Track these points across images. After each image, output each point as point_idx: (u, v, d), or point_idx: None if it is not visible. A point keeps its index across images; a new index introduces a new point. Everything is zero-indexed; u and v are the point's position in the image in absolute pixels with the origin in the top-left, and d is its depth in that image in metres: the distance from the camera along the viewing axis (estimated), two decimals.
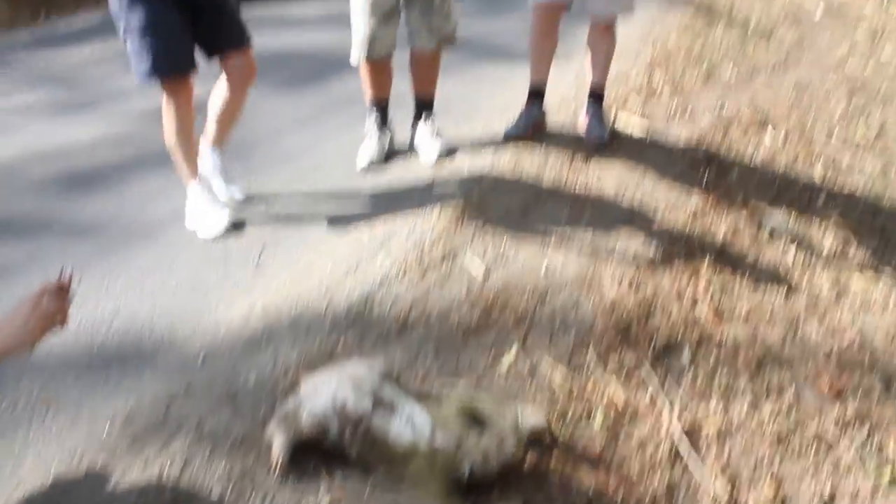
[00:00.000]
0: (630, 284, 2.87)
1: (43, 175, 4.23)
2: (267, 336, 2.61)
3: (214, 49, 3.12)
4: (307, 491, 2.05)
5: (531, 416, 2.07)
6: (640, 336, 2.63)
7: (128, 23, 2.85)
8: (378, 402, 1.97)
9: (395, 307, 2.71)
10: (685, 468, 2.18)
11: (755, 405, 2.41)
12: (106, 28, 8.20)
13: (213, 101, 3.37)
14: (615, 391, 2.38)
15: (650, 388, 2.42)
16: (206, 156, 3.41)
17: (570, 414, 2.30)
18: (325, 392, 2.00)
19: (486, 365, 2.48)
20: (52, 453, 2.17)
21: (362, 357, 2.41)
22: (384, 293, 2.78)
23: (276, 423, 2.06)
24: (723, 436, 2.30)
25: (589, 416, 2.30)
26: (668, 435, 2.26)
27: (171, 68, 2.95)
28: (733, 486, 2.14)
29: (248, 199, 3.49)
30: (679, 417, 2.33)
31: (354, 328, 2.62)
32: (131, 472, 2.09)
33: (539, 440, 2.11)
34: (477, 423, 1.99)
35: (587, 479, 2.07)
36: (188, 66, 3.00)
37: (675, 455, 2.21)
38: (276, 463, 2.03)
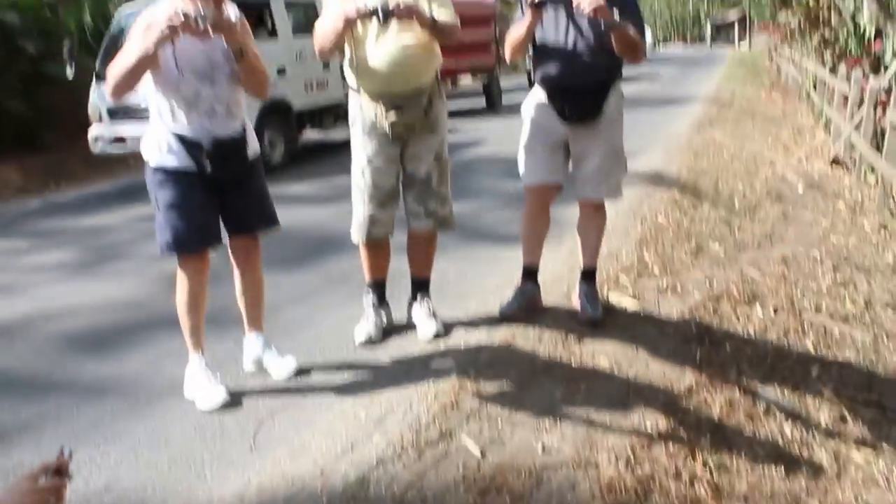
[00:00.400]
0: (627, 463, 2.86)
1: (47, 335, 4.31)
2: None
3: (234, 229, 3.38)
4: None
5: None
6: None
7: (156, 198, 3.14)
8: None
9: (391, 488, 2.69)
10: None
11: None
12: (115, 196, 8.58)
13: (237, 290, 3.55)
14: None
15: None
16: (250, 343, 3.60)
17: None
18: None
19: None
20: None
21: None
22: (380, 474, 2.77)
23: None
24: None
25: None
26: None
27: (187, 246, 3.19)
28: None
29: (299, 373, 3.56)
30: None
31: None
32: None
33: None
34: None
35: None
36: (204, 245, 3.26)
37: None
38: None
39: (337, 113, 10.42)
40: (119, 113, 8.42)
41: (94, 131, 8.71)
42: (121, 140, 8.40)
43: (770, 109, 15.09)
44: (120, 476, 2.85)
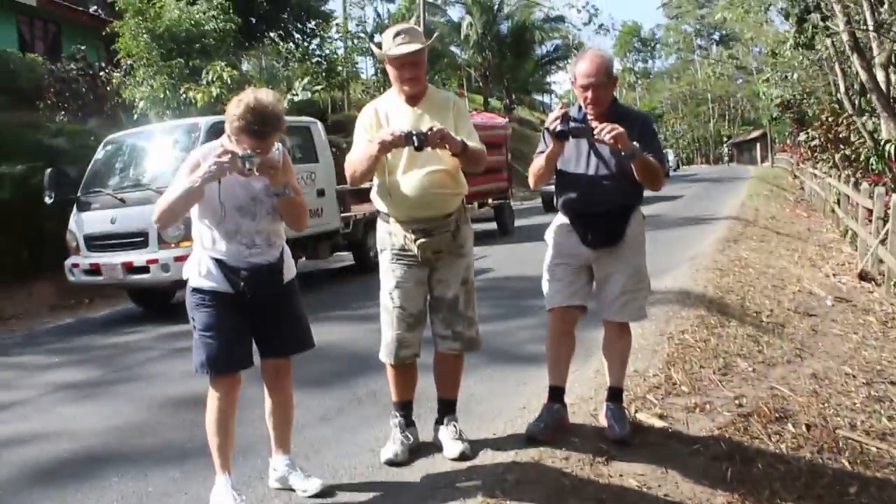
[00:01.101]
0: None
1: (71, 451, 4.32)
2: None
3: (266, 351, 3.49)
4: None
5: None
6: None
7: (193, 318, 3.31)
8: None
9: None
10: None
11: None
12: (147, 316, 8.74)
13: (266, 409, 3.62)
14: None
15: None
16: (277, 464, 3.59)
17: None
18: None
19: None
20: None
21: None
22: None
23: None
24: None
25: None
26: None
27: (219, 366, 3.30)
28: None
29: (324, 493, 3.53)
30: None
31: None
32: None
33: None
34: None
35: None
36: (235, 366, 3.29)
37: None
38: None
39: (333, 242, 10.17)
40: (96, 243, 8.41)
41: (70, 260, 8.65)
42: (96, 270, 8.30)
43: (795, 225, 15.20)
44: None
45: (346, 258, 11.60)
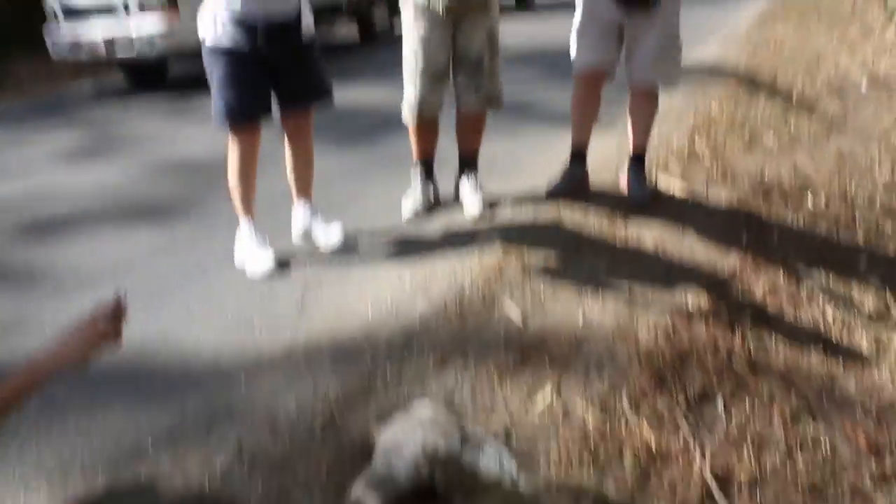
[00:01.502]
0: (666, 335, 2.92)
1: (108, 204, 4.45)
2: (308, 368, 2.71)
3: (286, 104, 3.42)
4: None
5: None
6: (674, 385, 2.67)
7: (210, 72, 3.21)
8: (465, 440, 2.11)
9: (433, 348, 2.79)
10: (712, 500, 2.21)
11: (789, 456, 2.43)
12: (144, 91, 8.58)
13: (287, 162, 3.59)
14: (647, 435, 2.42)
15: (682, 434, 2.45)
16: (298, 212, 3.66)
17: (601, 454, 2.34)
18: (413, 441, 2.08)
19: (520, 405, 2.54)
20: (98, 465, 2.28)
21: (423, 402, 2.47)
22: (424, 335, 2.86)
23: (366, 487, 2.08)
24: (755, 484, 2.32)
25: (620, 457, 2.34)
26: (699, 480, 2.29)
27: (238, 118, 3.25)
28: None
29: (345, 242, 3.63)
30: (711, 464, 2.35)
31: (393, 366, 2.70)
32: (173, 486, 2.18)
33: None
34: None
35: None
36: (254, 115, 3.23)
37: (705, 499, 2.24)
38: None
39: (337, 15, 9.62)
40: (73, 12, 7.57)
41: (50, 33, 7.93)
42: (76, 44, 7.62)
43: (839, 6, 14.46)
44: (175, 331, 2.99)
45: (347, 35, 11.24)
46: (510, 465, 2.10)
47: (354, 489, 2.10)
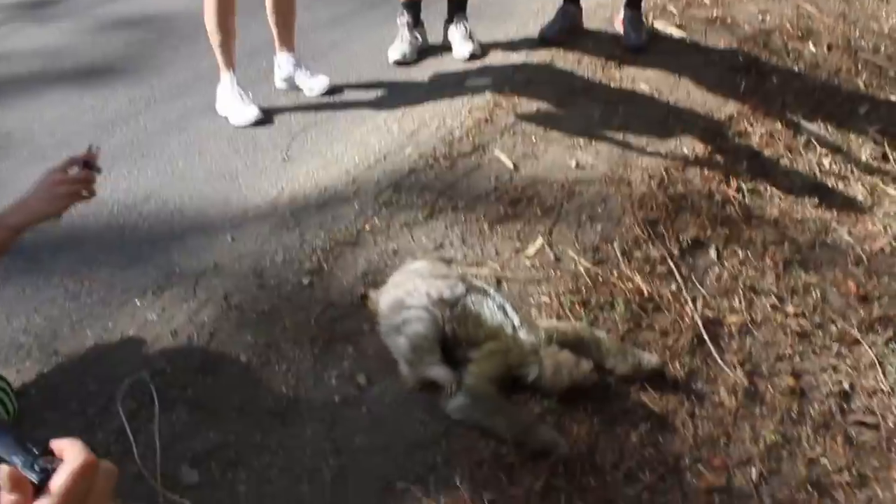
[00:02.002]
0: (660, 182, 2.86)
1: (80, 61, 4.25)
2: (294, 219, 2.65)
3: None
4: (330, 363, 2.13)
5: (650, 357, 2.13)
6: (667, 232, 2.63)
7: None
8: (471, 288, 2.14)
9: (422, 196, 2.73)
10: (706, 357, 2.21)
11: (779, 304, 2.43)
12: None
13: (268, 10, 3.38)
14: (639, 283, 2.40)
15: (674, 282, 2.44)
16: (281, 62, 3.45)
17: (593, 301, 2.33)
18: (418, 292, 2.11)
19: (511, 252, 2.51)
20: (86, 324, 2.25)
21: (418, 258, 2.45)
22: (412, 182, 2.79)
23: (386, 337, 2.14)
24: (745, 331, 2.32)
25: (612, 305, 2.33)
26: (690, 325, 2.28)
27: None
28: (752, 377, 2.17)
29: (331, 90, 3.47)
30: (702, 310, 2.34)
31: (381, 214, 2.65)
32: (161, 342, 2.16)
33: (657, 376, 2.14)
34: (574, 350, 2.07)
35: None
36: None
37: (696, 345, 2.24)
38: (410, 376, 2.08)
39: None
40: None
41: None
42: None
43: None
44: (158, 187, 2.89)
45: None
46: (513, 315, 2.10)
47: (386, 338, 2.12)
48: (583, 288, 2.37)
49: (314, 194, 2.77)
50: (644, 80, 3.53)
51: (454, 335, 2.08)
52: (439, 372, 2.04)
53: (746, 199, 2.85)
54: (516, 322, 2.09)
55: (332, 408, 2.02)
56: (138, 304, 2.31)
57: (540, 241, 2.55)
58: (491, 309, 2.10)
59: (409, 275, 2.21)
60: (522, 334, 2.07)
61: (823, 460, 1.97)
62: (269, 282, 2.37)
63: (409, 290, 2.13)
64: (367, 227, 2.59)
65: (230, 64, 3.30)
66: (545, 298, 2.34)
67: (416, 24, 3.84)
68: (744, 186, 2.91)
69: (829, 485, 1.91)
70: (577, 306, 2.30)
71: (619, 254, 2.51)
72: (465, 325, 2.08)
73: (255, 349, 2.15)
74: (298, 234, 2.57)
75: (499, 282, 2.39)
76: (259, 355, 2.13)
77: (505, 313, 2.10)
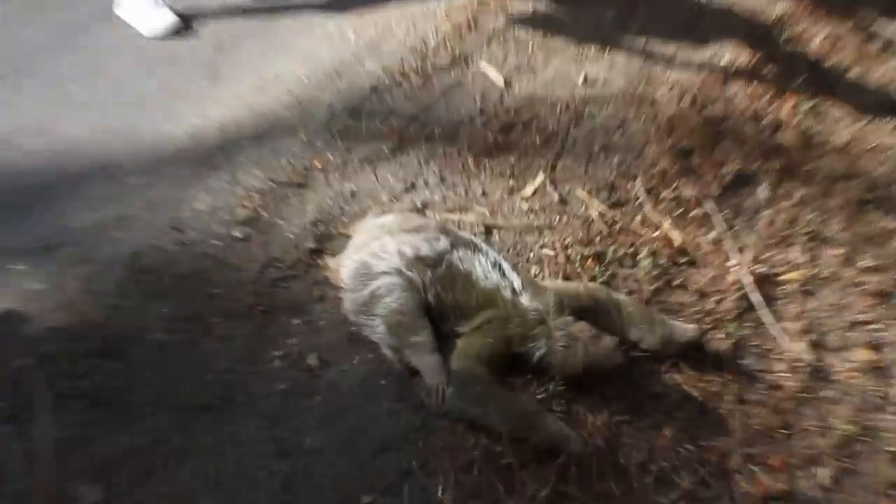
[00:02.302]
0: (693, 102, 2.78)
1: None
2: (223, 155, 2.57)
3: None
4: (272, 341, 2.07)
5: (684, 327, 2.07)
6: (704, 166, 2.56)
7: None
8: (457, 241, 2.09)
9: (387, 122, 2.66)
10: (757, 325, 2.16)
11: (851, 256, 2.37)
12: None
13: None
14: (669, 230, 2.33)
15: (715, 229, 2.38)
16: None
17: (610, 254, 2.27)
18: (388, 253, 2.06)
19: (503, 194, 2.45)
20: None
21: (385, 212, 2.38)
22: (374, 105, 2.72)
23: (356, 317, 2.07)
24: (807, 290, 2.27)
25: (634, 259, 2.27)
26: (735, 285, 2.23)
27: None
28: (818, 350, 2.12)
29: None
30: (751, 266, 2.29)
31: (335, 147, 2.58)
32: (50, 318, 2.09)
33: (694, 351, 2.08)
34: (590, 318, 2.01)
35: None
36: None
37: (743, 309, 2.19)
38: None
39: None
40: None
41: None
42: None
43: None
44: (45, 118, 2.77)
45: None
46: (512, 275, 2.05)
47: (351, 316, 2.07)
48: (596, 238, 2.32)
49: (249, 123, 2.69)
50: None
51: (439, 303, 2.02)
52: (428, 363, 1.97)
53: (806, 121, 2.78)
54: (516, 284, 2.02)
55: (275, 398, 1.96)
56: (20, 268, 2.23)
57: (540, 178, 2.49)
58: (484, 267, 2.04)
59: (375, 231, 2.15)
60: (525, 299, 2.00)
61: None
62: (190, 236, 2.30)
63: (376, 252, 2.06)
64: (318, 163, 2.52)
65: None
66: (548, 251, 2.28)
67: None
68: (802, 104, 2.84)
69: None
70: (589, 261, 2.24)
71: (642, 195, 2.46)
72: (451, 289, 2.02)
73: (173, 324, 2.08)
74: (229, 174, 2.50)
75: (488, 231, 2.33)
76: (179, 332, 2.07)
77: (502, 272, 2.04)
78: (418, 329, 1.99)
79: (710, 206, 2.44)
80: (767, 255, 2.34)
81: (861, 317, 2.21)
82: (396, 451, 1.88)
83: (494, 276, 2.03)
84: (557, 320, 1.97)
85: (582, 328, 1.95)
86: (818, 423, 1.98)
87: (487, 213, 2.38)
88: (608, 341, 1.94)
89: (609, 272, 2.24)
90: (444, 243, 2.07)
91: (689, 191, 2.48)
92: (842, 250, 2.37)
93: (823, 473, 1.89)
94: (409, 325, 1.99)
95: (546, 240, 2.32)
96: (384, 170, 2.51)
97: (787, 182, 2.56)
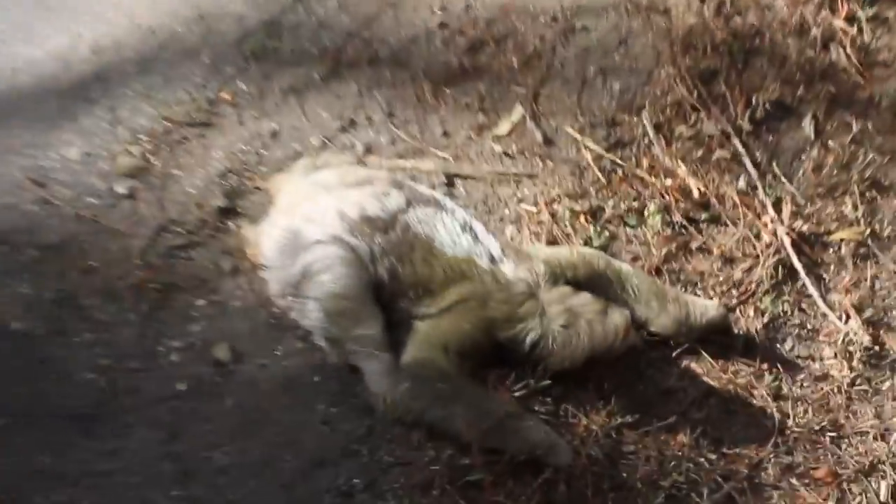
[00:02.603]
0: (719, 10, 2.80)
1: None
2: (100, 85, 2.56)
3: None
4: (169, 328, 2.07)
5: (705, 304, 2.11)
6: (732, 94, 2.59)
7: None
8: (414, 197, 2.07)
9: (318, 40, 2.66)
10: (799, 298, 2.20)
11: None
12: None
13: None
14: (685, 178, 2.37)
15: (743, 176, 2.41)
16: None
17: (609, 210, 2.29)
18: (326, 215, 2.04)
19: (470, 132, 2.48)
20: None
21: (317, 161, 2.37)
22: (301, 17, 2.72)
23: (284, 300, 2.08)
24: (862, 254, 2.31)
25: (641, 214, 2.30)
26: (771, 248, 2.26)
27: None
28: (875, 328, 2.16)
29: None
30: (791, 222, 2.32)
31: (248, 73, 2.58)
32: None
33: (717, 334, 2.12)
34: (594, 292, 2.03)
35: None
36: None
37: (781, 279, 2.23)
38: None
39: None
40: None
41: None
42: None
43: None
44: None
45: None
46: (487, 239, 2.06)
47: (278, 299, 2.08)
48: (591, 189, 2.35)
49: (133, 42, 2.68)
50: None
51: (393, 278, 2.01)
52: (374, 366, 1.97)
53: (863, 35, 2.81)
54: (495, 250, 2.03)
55: (174, 403, 1.96)
56: None
57: (518, 111, 2.51)
58: (450, 229, 2.04)
59: (306, 188, 2.14)
60: (507, 269, 2.01)
61: None
62: (58, 193, 2.28)
63: (309, 214, 2.06)
64: (227, 95, 2.52)
65: None
66: (528, 207, 2.31)
67: None
68: (859, 14, 2.87)
69: None
70: (582, 219, 2.28)
71: (650, 130, 2.48)
72: (408, 259, 2.02)
73: (36, 310, 2.07)
74: (107, 110, 2.49)
75: (450, 182, 2.34)
76: (44, 320, 2.06)
77: (474, 236, 2.05)
78: (365, 318, 1.98)
79: (738, 145, 2.47)
80: (812, 208, 2.38)
81: None
82: (334, 468, 1.89)
83: (465, 240, 2.04)
84: (551, 292, 1.98)
85: (584, 301, 1.96)
86: (876, 424, 2.01)
87: (450, 159, 2.40)
88: (618, 317, 1.96)
89: (607, 233, 2.26)
90: (396, 200, 2.06)
91: (711, 127, 2.51)
92: None
93: (883, 487, 1.92)
94: (353, 312, 1.98)
95: (525, 192, 2.34)
96: (314, 103, 2.52)
97: (840, 114, 2.60)
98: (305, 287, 2.00)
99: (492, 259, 2.02)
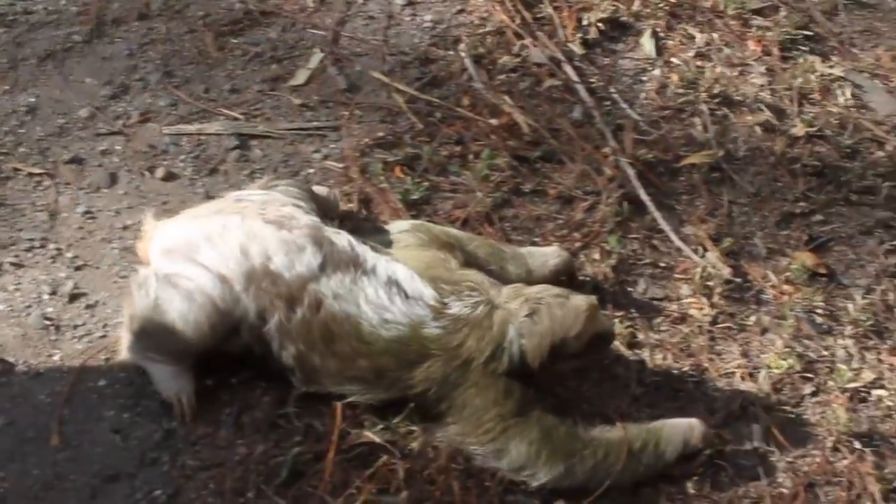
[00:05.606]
0: None
1: None
2: None
3: None
4: None
5: (549, 257, 2.10)
6: (558, 14, 2.63)
7: None
8: (333, 259, 1.96)
9: None
10: (649, 234, 2.21)
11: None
12: None
13: None
14: (511, 113, 2.37)
15: (578, 106, 2.44)
16: None
17: (426, 157, 2.28)
18: (224, 248, 1.96)
19: (263, 85, 2.48)
20: None
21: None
22: None
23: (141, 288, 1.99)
24: (716, 179, 2.34)
25: (464, 158, 2.31)
26: (615, 181, 2.27)
27: None
28: (736, 259, 2.19)
29: None
30: (635, 150, 2.34)
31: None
32: None
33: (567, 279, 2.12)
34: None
35: None
36: None
37: (627, 214, 2.23)
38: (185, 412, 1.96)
39: None
40: None
41: None
42: None
43: None
44: None
45: None
46: (417, 287, 1.97)
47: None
48: (406, 135, 2.37)
49: None
50: None
51: (311, 371, 1.97)
52: (161, 370, 1.96)
53: None
54: (430, 297, 1.96)
55: None
56: None
57: (317, 56, 2.53)
58: (375, 301, 1.96)
59: (228, 204, 2.07)
60: (454, 308, 1.96)
61: None
62: None
63: (211, 235, 1.99)
64: None
65: None
66: (334, 164, 2.32)
67: None
68: None
69: None
70: (397, 171, 2.28)
71: (469, 64, 2.52)
72: (329, 352, 1.96)
73: None
74: None
75: (244, 144, 2.32)
76: None
77: (403, 295, 1.97)
78: (188, 355, 1.96)
79: (570, 72, 2.49)
80: (657, 133, 2.40)
81: (793, 207, 2.29)
82: (129, 481, 1.86)
83: (396, 309, 1.95)
84: (502, 294, 1.96)
85: (541, 290, 1.95)
86: (743, 363, 2.03)
87: (241, 118, 2.37)
88: (580, 300, 1.92)
89: (427, 183, 2.25)
90: (309, 260, 1.97)
91: (538, 54, 2.52)
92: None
93: (756, 430, 1.95)
94: (184, 346, 1.95)
95: (331, 147, 2.33)
96: (77, 69, 2.48)
97: (682, 27, 2.64)
98: (160, 296, 1.95)
99: (436, 311, 1.95)
